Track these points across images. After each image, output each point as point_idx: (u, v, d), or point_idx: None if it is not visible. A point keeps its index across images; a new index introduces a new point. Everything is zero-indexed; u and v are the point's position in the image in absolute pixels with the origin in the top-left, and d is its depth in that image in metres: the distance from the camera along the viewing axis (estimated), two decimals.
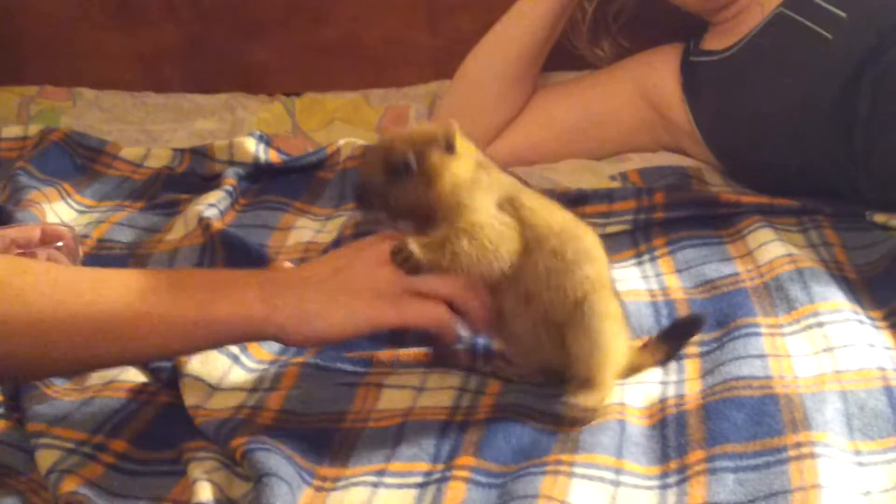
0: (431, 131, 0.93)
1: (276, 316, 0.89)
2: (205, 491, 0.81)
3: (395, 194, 0.92)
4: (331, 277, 0.91)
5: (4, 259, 0.89)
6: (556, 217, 0.93)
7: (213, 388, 0.96)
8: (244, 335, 0.93)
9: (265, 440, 0.85)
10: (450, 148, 0.92)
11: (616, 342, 0.91)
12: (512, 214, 0.92)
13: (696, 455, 0.82)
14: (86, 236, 1.31)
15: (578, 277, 0.90)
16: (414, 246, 0.90)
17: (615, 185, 1.39)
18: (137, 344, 0.87)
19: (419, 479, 0.83)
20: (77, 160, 1.53)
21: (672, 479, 0.81)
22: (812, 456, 0.78)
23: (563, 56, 1.60)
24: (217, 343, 0.94)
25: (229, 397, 0.96)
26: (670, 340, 0.98)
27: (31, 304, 0.83)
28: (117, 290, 0.86)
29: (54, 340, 0.84)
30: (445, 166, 0.91)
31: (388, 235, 0.93)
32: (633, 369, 0.95)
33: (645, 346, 0.98)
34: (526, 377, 0.96)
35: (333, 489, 0.83)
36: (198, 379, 0.96)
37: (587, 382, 0.89)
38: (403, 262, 0.90)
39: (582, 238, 0.93)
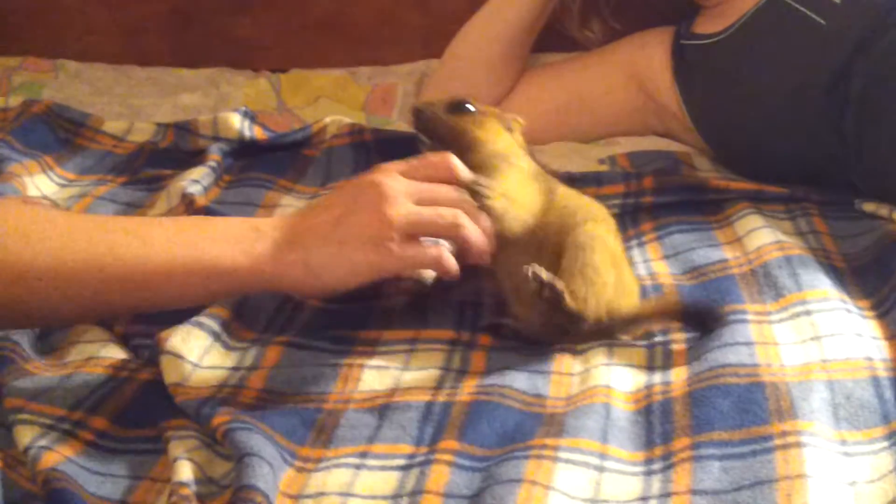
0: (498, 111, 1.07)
1: (284, 272, 0.91)
2: (185, 470, 0.80)
3: (446, 123, 1.03)
4: (333, 228, 0.92)
5: (23, 207, 0.93)
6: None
7: (194, 366, 0.95)
8: (253, 286, 0.95)
9: (247, 419, 0.84)
10: (508, 128, 1.06)
11: (605, 267, 0.95)
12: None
13: (682, 442, 0.81)
14: (67, 210, 1.29)
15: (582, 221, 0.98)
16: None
17: (604, 168, 1.38)
18: (149, 294, 0.90)
19: (402, 462, 0.82)
20: (59, 133, 1.51)
21: (657, 466, 0.80)
22: (798, 445, 0.78)
23: (553, 37, 1.59)
24: (230, 293, 0.98)
25: (210, 376, 0.95)
26: (689, 316, 0.99)
27: (51, 251, 0.86)
28: (129, 240, 0.89)
29: (61, 289, 0.87)
30: (497, 128, 1.05)
31: (377, 177, 0.95)
32: (635, 320, 0.97)
33: (661, 303, 1.01)
34: (522, 332, 0.99)
35: (315, 470, 0.82)
36: (178, 356, 0.95)
37: (574, 294, 0.93)
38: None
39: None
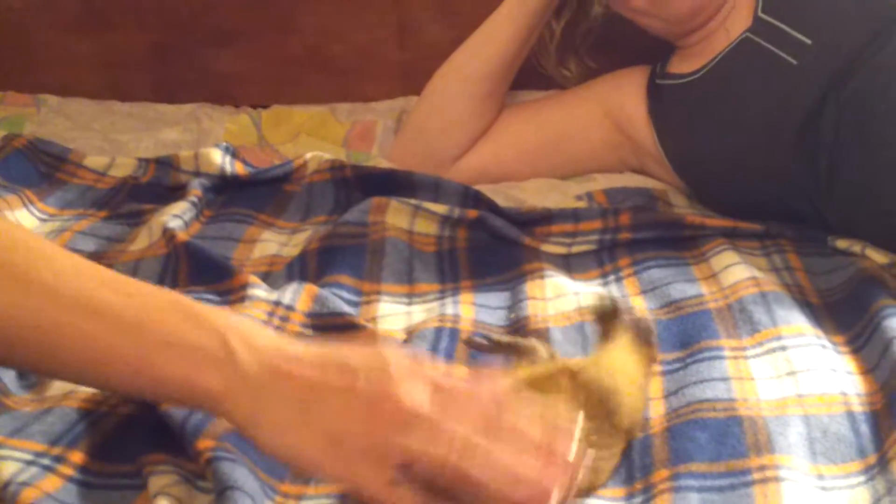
0: None
1: (246, 421, 0.73)
2: None
3: None
4: (314, 412, 0.71)
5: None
6: None
7: None
8: (188, 402, 0.79)
9: (231, 449, 0.85)
10: None
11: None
12: None
13: (661, 474, 0.82)
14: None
15: None
16: None
17: (581, 204, 1.39)
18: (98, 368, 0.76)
19: None
20: (40, 168, 1.51)
21: (638, 500, 0.81)
22: (776, 479, 0.79)
23: (530, 76, 1.61)
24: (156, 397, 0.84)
25: None
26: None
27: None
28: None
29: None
30: None
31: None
32: None
33: None
34: None
35: None
36: None
37: None
38: None
39: None
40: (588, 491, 0.82)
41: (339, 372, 0.71)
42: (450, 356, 1.02)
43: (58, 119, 1.72)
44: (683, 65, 1.45)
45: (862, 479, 0.81)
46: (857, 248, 1.18)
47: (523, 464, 0.66)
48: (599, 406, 0.83)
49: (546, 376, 0.84)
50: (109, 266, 1.24)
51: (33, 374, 0.97)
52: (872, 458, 0.83)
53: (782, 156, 1.29)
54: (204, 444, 0.85)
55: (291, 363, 0.72)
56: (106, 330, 0.74)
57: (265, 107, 1.75)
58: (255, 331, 0.75)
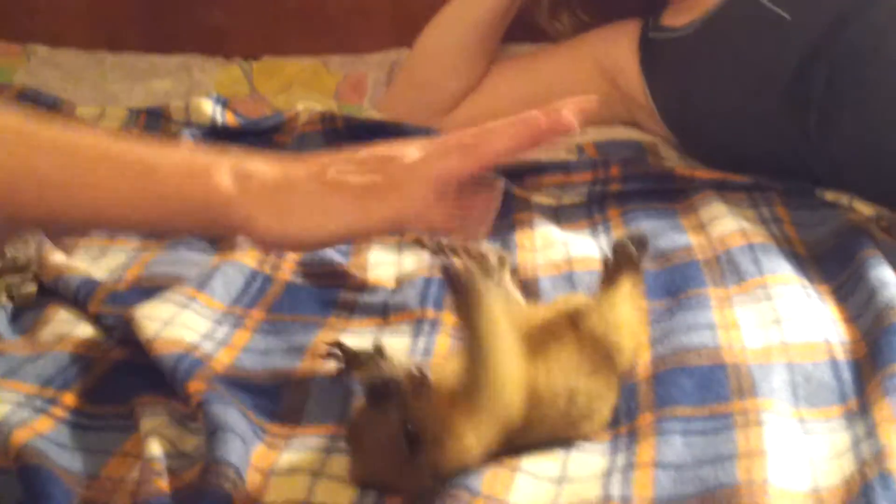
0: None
1: (246, 200, 0.78)
2: (156, 445, 0.81)
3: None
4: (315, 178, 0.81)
5: None
6: None
7: (165, 323, 0.96)
8: (202, 211, 0.79)
9: (222, 392, 0.86)
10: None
11: None
12: None
13: (646, 418, 0.83)
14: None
15: None
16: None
17: (572, 156, 1.39)
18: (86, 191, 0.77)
19: None
20: None
21: (622, 442, 0.82)
22: (758, 423, 0.79)
23: (522, 28, 1.61)
24: (167, 217, 0.80)
25: (183, 334, 0.96)
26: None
27: None
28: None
29: None
30: None
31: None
32: None
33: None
34: None
35: (286, 448, 0.84)
36: (149, 318, 0.96)
37: None
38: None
39: None
40: (587, 436, 0.83)
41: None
42: (438, 305, 1.03)
43: (48, 69, 1.72)
44: (676, 18, 1.45)
45: (842, 423, 0.82)
46: (844, 200, 1.19)
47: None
48: (601, 355, 0.84)
49: (547, 325, 0.85)
50: None
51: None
52: (853, 404, 0.84)
53: (773, 109, 1.29)
54: (195, 386, 0.86)
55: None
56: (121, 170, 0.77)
57: (256, 58, 1.74)
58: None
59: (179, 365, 0.89)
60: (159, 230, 0.91)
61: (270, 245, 0.88)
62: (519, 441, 0.80)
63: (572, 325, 0.85)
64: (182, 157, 0.80)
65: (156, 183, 0.78)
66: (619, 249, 0.89)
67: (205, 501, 0.73)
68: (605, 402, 0.84)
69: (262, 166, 0.81)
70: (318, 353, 0.95)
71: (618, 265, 0.88)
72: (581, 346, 0.83)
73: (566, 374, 0.81)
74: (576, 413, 0.82)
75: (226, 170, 0.78)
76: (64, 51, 1.76)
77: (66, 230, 0.96)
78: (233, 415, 0.82)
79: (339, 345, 0.92)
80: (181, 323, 0.98)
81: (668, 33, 1.44)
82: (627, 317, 0.87)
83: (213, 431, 0.80)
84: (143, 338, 0.94)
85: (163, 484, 0.77)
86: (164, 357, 0.91)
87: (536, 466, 0.80)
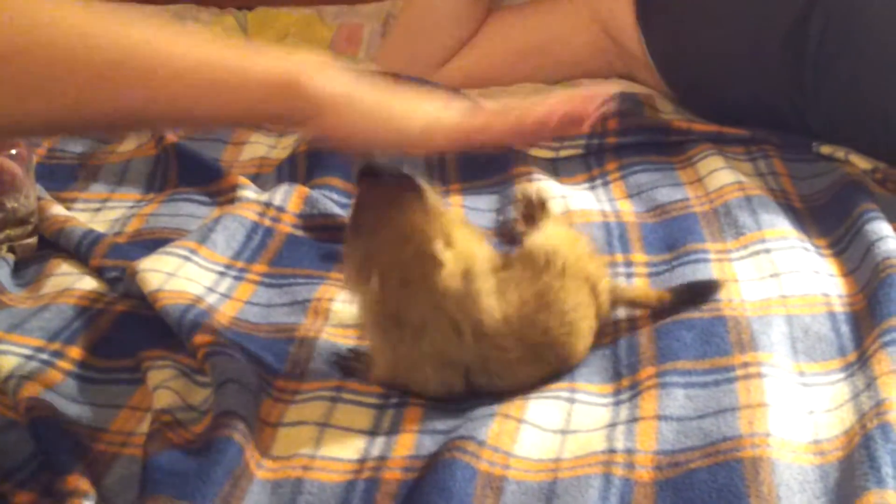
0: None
1: (322, 87, 0.77)
2: (165, 398, 0.82)
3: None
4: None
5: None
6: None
7: (169, 275, 0.97)
8: (278, 104, 0.78)
9: (227, 345, 0.87)
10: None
11: None
12: None
13: (647, 371, 0.84)
14: (37, 145, 1.29)
15: None
16: None
17: None
18: (162, 88, 0.75)
19: (375, 401, 0.85)
20: None
21: (625, 396, 0.83)
22: (759, 375, 0.81)
23: None
24: (242, 107, 0.78)
25: (187, 286, 0.97)
26: (682, 297, 0.94)
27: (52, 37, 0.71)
28: (144, 25, 0.75)
29: (78, 78, 0.73)
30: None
31: None
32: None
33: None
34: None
35: (292, 401, 0.85)
36: (152, 270, 0.97)
37: None
38: None
39: None
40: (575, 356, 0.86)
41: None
42: None
43: None
44: None
45: (842, 375, 0.83)
46: (840, 153, 1.20)
47: None
48: (578, 280, 0.86)
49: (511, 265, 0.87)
50: (99, 166, 1.26)
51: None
52: (852, 356, 0.85)
53: (769, 60, 1.29)
54: (201, 339, 0.87)
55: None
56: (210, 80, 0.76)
57: (250, 9, 1.73)
58: None
59: (185, 317, 0.90)
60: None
61: (338, 143, 0.84)
62: (521, 368, 0.84)
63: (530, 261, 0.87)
64: (268, 65, 0.77)
65: (243, 97, 0.77)
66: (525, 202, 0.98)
67: (215, 452, 0.74)
68: (580, 316, 0.86)
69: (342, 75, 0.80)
70: (319, 308, 0.96)
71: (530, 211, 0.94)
72: (537, 272, 0.85)
73: (532, 296, 0.84)
74: (554, 327, 0.84)
75: (313, 79, 0.77)
76: None
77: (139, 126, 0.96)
78: (239, 367, 0.83)
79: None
80: (184, 276, 0.98)
81: None
82: (560, 232, 0.90)
83: (221, 383, 0.81)
84: (147, 290, 0.94)
85: (173, 436, 0.78)
86: (169, 309, 0.91)
87: (541, 418, 0.81)
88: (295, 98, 0.77)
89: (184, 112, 0.78)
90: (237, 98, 0.77)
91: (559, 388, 0.84)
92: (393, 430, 0.81)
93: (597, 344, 0.89)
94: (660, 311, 0.92)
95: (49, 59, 0.71)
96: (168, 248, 1.02)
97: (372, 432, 0.81)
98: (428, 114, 0.81)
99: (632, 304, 0.93)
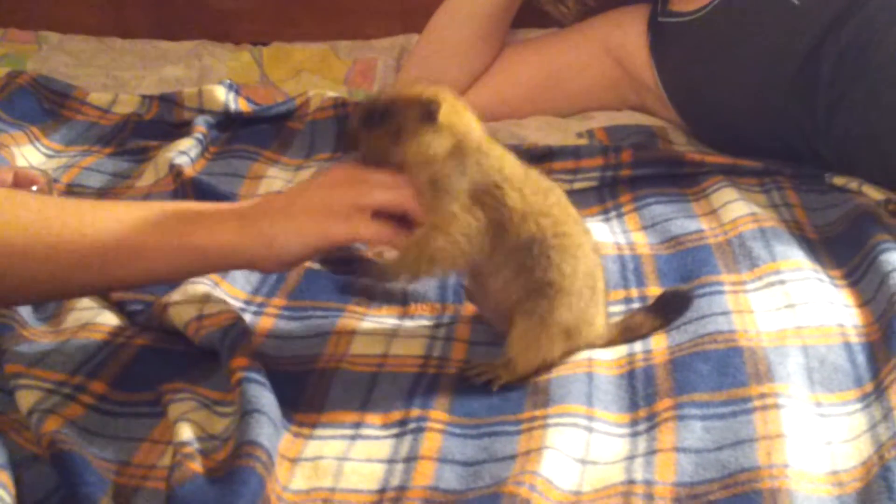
0: (417, 94, 0.91)
1: (246, 244, 0.91)
2: (186, 430, 0.83)
3: (367, 142, 0.92)
4: (291, 203, 0.93)
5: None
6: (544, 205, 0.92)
7: (204, 301, 0.99)
8: (221, 263, 0.95)
9: (261, 373, 0.88)
10: (428, 116, 0.90)
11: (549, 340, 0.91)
12: (490, 204, 0.90)
13: (665, 403, 0.85)
14: (56, 181, 1.31)
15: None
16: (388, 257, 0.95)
17: (582, 142, 1.41)
18: (121, 271, 0.90)
19: (395, 431, 0.85)
20: (45, 104, 1.52)
21: (642, 427, 0.84)
22: (776, 406, 0.81)
23: (531, 14, 1.62)
24: (195, 270, 0.96)
25: (223, 309, 0.98)
26: (662, 312, 0.97)
27: (15, 232, 0.86)
28: (102, 219, 0.90)
29: (38, 268, 0.87)
30: (417, 133, 0.90)
31: (346, 165, 0.96)
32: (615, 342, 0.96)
33: (631, 317, 0.97)
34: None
35: (311, 437, 0.85)
36: (185, 302, 0.98)
37: (510, 362, 0.91)
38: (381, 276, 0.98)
39: (569, 235, 0.92)
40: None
41: (300, 187, 1.01)
42: (458, 298, 1.05)
43: (59, 56, 1.73)
44: (685, 3, 1.45)
45: (858, 406, 0.84)
46: (853, 184, 1.20)
47: None
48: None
49: None
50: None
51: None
52: (869, 387, 0.86)
53: (782, 95, 1.30)
54: (238, 362, 0.88)
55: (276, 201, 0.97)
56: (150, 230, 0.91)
57: (265, 44, 1.75)
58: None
59: (226, 338, 0.91)
60: None
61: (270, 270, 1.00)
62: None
63: None
64: (225, 240, 0.91)
65: (204, 265, 0.95)
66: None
67: (238, 483, 0.75)
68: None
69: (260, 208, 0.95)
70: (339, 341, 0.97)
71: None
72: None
73: None
74: None
75: (232, 226, 0.92)
76: (74, 37, 1.77)
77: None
78: (269, 399, 0.84)
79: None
80: (219, 298, 1.00)
81: (678, 17, 1.45)
82: None
83: (248, 412, 0.81)
84: (184, 322, 0.96)
85: (196, 466, 0.78)
86: (211, 336, 0.93)
87: (563, 444, 0.81)
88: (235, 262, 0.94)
89: (125, 283, 0.96)
90: (188, 268, 0.94)
91: (577, 414, 0.85)
92: (411, 457, 0.82)
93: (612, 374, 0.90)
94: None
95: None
96: (193, 280, 1.03)
97: (390, 460, 0.82)
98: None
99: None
